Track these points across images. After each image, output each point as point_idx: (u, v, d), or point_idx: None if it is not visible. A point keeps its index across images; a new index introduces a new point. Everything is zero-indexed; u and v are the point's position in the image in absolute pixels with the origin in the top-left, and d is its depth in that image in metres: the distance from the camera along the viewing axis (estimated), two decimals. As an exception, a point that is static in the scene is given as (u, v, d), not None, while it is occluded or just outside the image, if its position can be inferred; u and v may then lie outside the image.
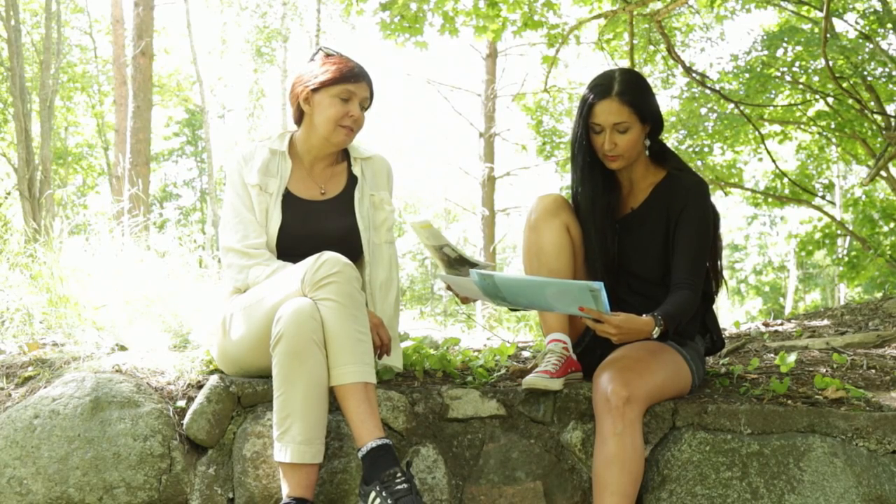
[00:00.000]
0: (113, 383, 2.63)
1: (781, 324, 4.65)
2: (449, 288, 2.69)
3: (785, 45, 8.23)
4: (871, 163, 8.47)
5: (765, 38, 8.74)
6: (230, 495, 2.54)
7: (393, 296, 2.79)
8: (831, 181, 17.12)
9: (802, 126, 9.50)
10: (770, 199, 11.14)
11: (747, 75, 8.15)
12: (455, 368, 2.92)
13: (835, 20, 7.93)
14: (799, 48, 7.98)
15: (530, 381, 2.52)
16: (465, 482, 2.56)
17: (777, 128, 9.57)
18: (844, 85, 6.92)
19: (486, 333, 6.01)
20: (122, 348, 3.12)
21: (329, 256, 2.40)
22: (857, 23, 7.83)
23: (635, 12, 6.63)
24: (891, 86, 7.64)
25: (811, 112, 9.17)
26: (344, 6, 7.35)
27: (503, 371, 2.91)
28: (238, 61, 24.64)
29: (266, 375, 2.59)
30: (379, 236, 2.80)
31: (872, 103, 7.41)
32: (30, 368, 2.87)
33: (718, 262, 2.75)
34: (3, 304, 3.48)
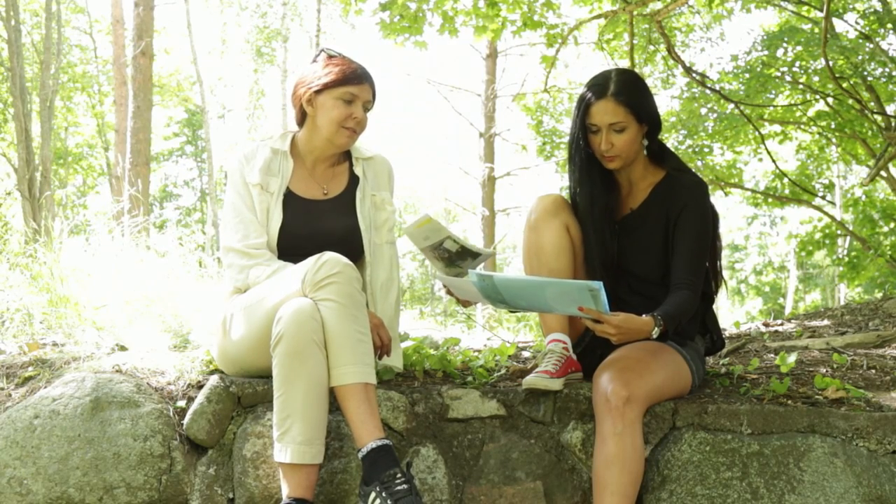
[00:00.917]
0: (113, 383, 2.63)
1: (781, 324, 4.65)
2: (448, 292, 2.69)
3: (785, 45, 8.23)
4: (871, 163, 8.47)
5: (765, 38, 8.73)
6: (230, 495, 2.54)
7: (393, 296, 2.79)
8: (831, 181, 17.12)
9: (802, 126, 9.50)
10: (770, 199, 11.14)
11: (747, 75, 8.15)
12: (455, 368, 2.92)
13: (835, 20, 7.93)
14: (799, 48, 7.98)
15: (530, 381, 2.53)
16: (465, 482, 2.56)
17: (777, 128, 9.57)
18: (844, 85, 6.91)
19: (486, 333, 6.01)
20: (122, 348, 3.12)
21: (329, 257, 2.40)
22: (857, 23, 7.83)
23: (635, 12, 6.62)
24: (891, 86, 7.64)
25: (811, 112, 9.17)
26: (343, 6, 7.35)
27: (503, 371, 2.91)
28: (238, 61, 24.64)
29: (266, 375, 2.59)
30: (380, 236, 2.79)
31: (872, 103, 7.41)
32: (30, 368, 2.87)
33: (718, 263, 2.75)
34: (3, 304, 3.48)
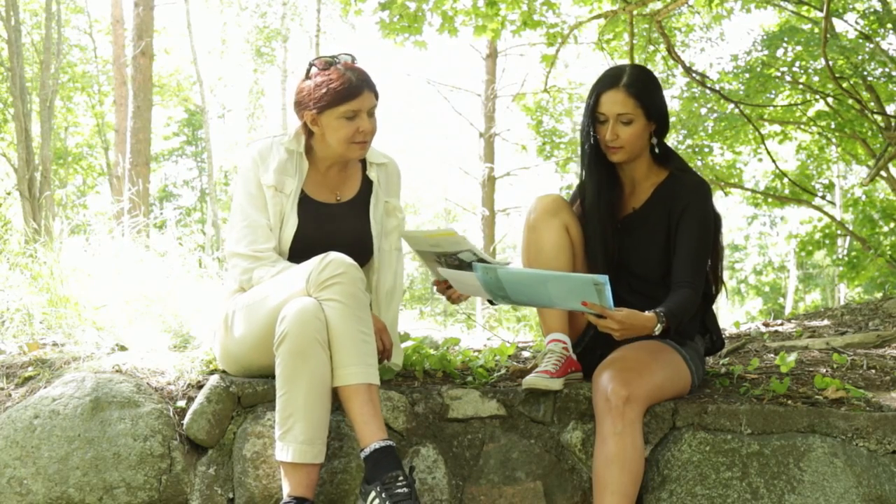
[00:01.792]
0: (113, 383, 2.63)
1: (781, 324, 4.65)
2: (442, 289, 2.67)
3: (785, 45, 8.23)
4: (871, 163, 8.47)
5: (765, 38, 8.73)
6: (230, 495, 2.54)
7: (397, 303, 2.79)
8: (831, 181, 17.11)
9: (802, 126, 9.50)
10: (770, 199, 11.14)
11: (747, 75, 8.15)
12: (455, 368, 2.92)
13: (835, 20, 7.93)
14: (799, 48, 7.98)
15: (530, 381, 2.53)
16: (465, 482, 2.56)
17: (777, 128, 9.56)
18: (844, 85, 6.91)
19: (486, 333, 6.01)
20: (122, 348, 3.12)
21: (334, 257, 2.40)
22: (857, 23, 7.82)
23: (635, 12, 6.62)
24: (891, 86, 7.64)
25: (811, 112, 9.17)
26: (343, 6, 7.35)
27: (503, 371, 2.91)
28: (238, 61, 24.64)
29: (267, 374, 2.59)
30: (389, 242, 2.78)
31: (872, 103, 7.40)
32: (30, 368, 2.87)
33: (720, 266, 2.75)
34: (3, 304, 3.48)
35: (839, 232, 11.32)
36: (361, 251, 2.68)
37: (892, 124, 7.11)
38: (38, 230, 4.19)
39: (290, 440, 2.31)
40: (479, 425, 2.61)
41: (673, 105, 11.06)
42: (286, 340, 2.32)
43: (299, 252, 2.63)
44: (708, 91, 8.68)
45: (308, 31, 22.43)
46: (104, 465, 2.48)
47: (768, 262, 30.14)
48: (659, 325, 2.41)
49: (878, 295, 7.54)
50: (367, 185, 2.77)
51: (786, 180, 10.04)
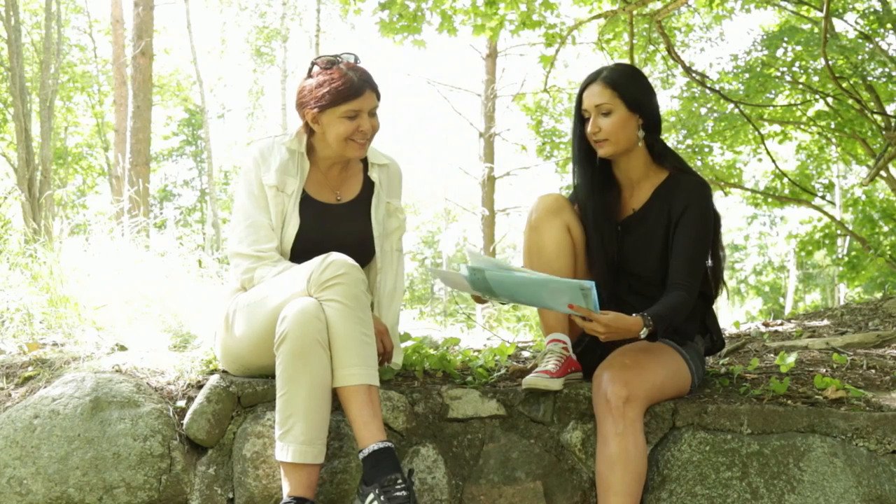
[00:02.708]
0: (113, 383, 2.63)
1: (781, 324, 4.65)
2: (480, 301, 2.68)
3: (785, 45, 8.23)
4: (871, 163, 8.47)
5: (765, 38, 8.74)
6: (230, 495, 2.54)
7: (397, 304, 2.79)
8: (831, 181, 17.11)
9: (802, 126, 9.50)
10: (770, 199, 11.14)
11: (747, 75, 8.15)
12: (455, 368, 2.92)
13: (835, 20, 7.93)
14: (799, 48, 7.98)
15: (530, 381, 2.52)
16: (465, 482, 2.56)
17: (777, 128, 9.57)
18: (844, 85, 6.91)
19: (485, 333, 6.01)
20: (122, 348, 3.12)
21: (336, 257, 2.40)
22: (857, 23, 7.83)
23: (635, 12, 6.62)
24: (891, 86, 7.64)
25: (811, 112, 9.17)
26: (342, 6, 7.35)
27: (503, 371, 2.91)
28: (238, 61, 24.64)
29: (267, 374, 2.59)
30: (390, 243, 2.79)
31: (872, 103, 7.41)
32: (30, 368, 2.87)
33: (720, 266, 2.74)
34: (3, 304, 3.48)
35: (839, 232, 11.32)
36: (363, 252, 2.68)
37: (892, 124, 7.11)
38: (38, 230, 4.19)
39: (290, 440, 2.31)
40: (478, 425, 2.62)
41: (673, 105, 11.06)
42: (287, 340, 2.32)
43: (301, 252, 2.63)
44: (708, 91, 8.69)
45: (308, 30, 22.44)
46: (104, 465, 2.48)
47: (768, 262, 30.16)
48: (645, 329, 2.41)
49: (878, 295, 7.54)
50: (368, 185, 2.77)
51: (786, 180, 10.04)
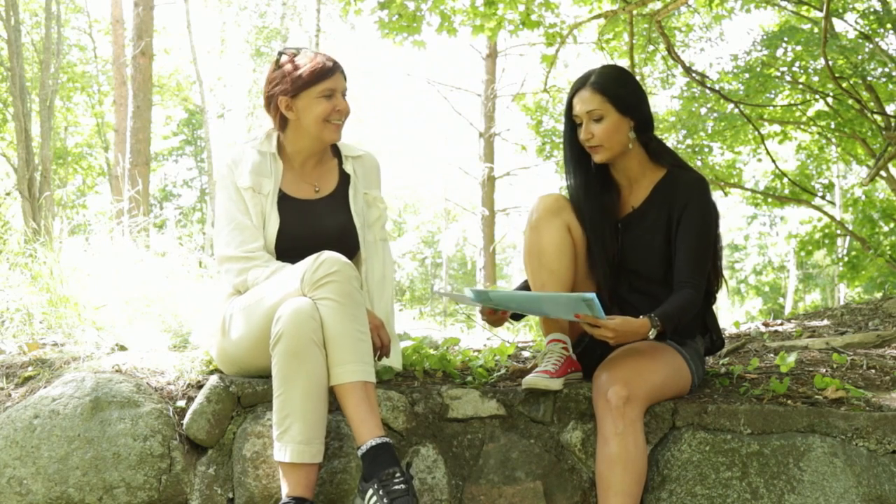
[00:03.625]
0: (113, 383, 2.63)
1: (781, 324, 4.65)
2: (489, 316, 2.73)
3: (785, 45, 8.23)
4: (871, 163, 8.47)
5: (765, 37, 8.74)
6: (230, 495, 2.54)
7: (388, 293, 2.79)
8: (831, 181, 17.12)
9: (802, 126, 9.50)
10: (770, 199, 11.14)
11: (747, 75, 8.15)
12: (455, 368, 2.92)
13: (835, 20, 7.93)
14: (799, 48, 7.98)
15: (530, 380, 2.52)
16: (465, 482, 2.56)
17: (777, 128, 9.57)
18: (844, 85, 6.91)
19: (485, 333, 6.00)
20: (122, 348, 3.12)
21: (328, 256, 2.40)
22: (857, 23, 7.83)
23: (635, 12, 6.63)
24: (891, 86, 7.64)
25: (811, 112, 9.17)
26: (342, 6, 7.35)
27: (503, 371, 2.91)
28: (237, 61, 24.63)
29: (266, 375, 2.59)
30: (373, 234, 2.80)
31: (872, 103, 7.41)
32: (30, 368, 2.87)
33: (719, 263, 2.75)
34: (3, 304, 3.48)
35: (839, 232, 11.32)
36: (347, 244, 2.70)
37: (892, 124, 7.11)
38: (38, 230, 4.19)
39: (287, 440, 2.31)
40: (478, 425, 2.62)
41: (673, 105, 11.06)
42: (282, 341, 2.33)
43: (286, 249, 2.66)
44: (708, 91, 8.69)
45: (307, 30, 22.42)
46: (104, 465, 2.48)
47: (768, 262, 30.16)
48: (653, 330, 2.41)
49: (878, 295, 7.54)
50: (344, 178, 2.81)
51: (786, 180, 10.04)
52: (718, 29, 12.71)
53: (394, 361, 2.76)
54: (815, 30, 8.00)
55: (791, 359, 2.84)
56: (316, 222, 2.70)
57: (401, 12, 6.78)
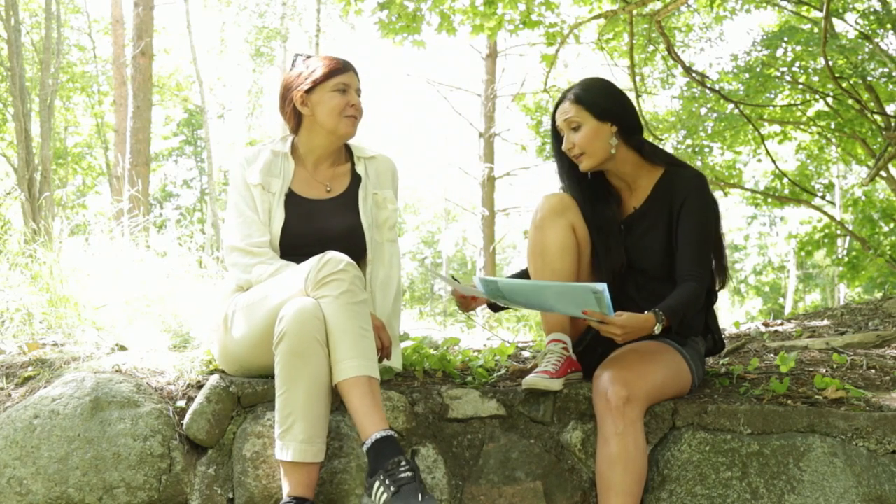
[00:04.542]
0: (113, 383, 2.63)
1: (781, 324, 4.65)
2: (459, 300, 2.77)
3: (785, 45, 8.23)
4: (871, 163, 8.47)
5: (765, 38, 8.73)
6: (230, 495, 2.54)
7: (392, 294, 2.79)
8: (831, 181, 17.12)
9: (802, 126, 9.50)
10: (770, 199, 11.14)
11: (747, 75, 8.15)
12: (455, 368, 2.92)
13: (835, 20, 7.93)
14: (799, 48, 7.98)
15: (530, 381, 2.53)
16: (465, 482, 2.56)
17: (777, 128, 9.57)
18: (844, 85, 6.91)
19: (485, 333, 6.01)
20: (122, 348, 3.12)
21: (332, 256, 2.41)
22: (857, 23, 7.82)
23: (635, 12, 6.63)
24: (891, 86, 7.64)
25: (811, 112, 9.17)
26: (342, 6, 7.36)
27: (503, 371, 2.91)
28: (237, 61, 24.64)
29: (267, 374, 2.59)
30: (381, 234, 2.80)
31: (872, 103, 7.41)
32: (30, 368, 2.87)
33: (723, 260, 2.75)
34: (3, 304, 3.48)
35: (839, 232, 11.32)
36: (354, 245, 2.70)
37: (892, 124, 7.11)
38: (38, 230, 4.19)
39: (289, 439, 2.31)
40: (478, 425, 2.62)
41: (673, 105, 11.06)
42: (285, 339, 2.33)
43: (290, 248, 2.68)
44: (708, 91, 8.69)
45: (307, 30, 22.43)
46: (104, 465, 2.48)
47: (768, 262, 30.17)
48: (658, 325, 2.42)
49: (878, 295, 7.55)
50: (355, 179, 2.83)
51: (786, 180, 10.04)
52: (718, 29, 12.72)
53: (394, 362, 2.76)
54: (815, 30, 8.00)
55: (791, 359, 2.84)
56: (322, 222, 2.71)
57: (400, 13, 6.79)
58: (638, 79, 8.61)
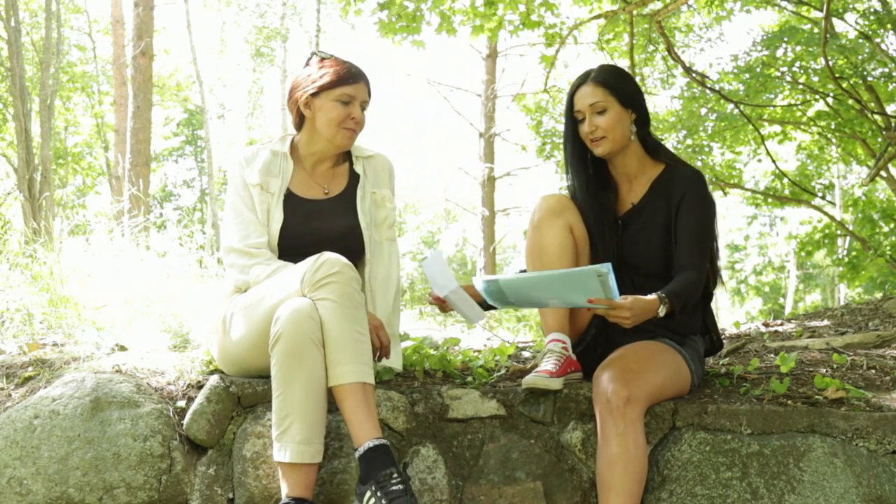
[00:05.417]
0: (113, 383, 2.63)
1: (781, 324, 4.65)
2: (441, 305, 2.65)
3: (785, 45, 8.23)
4: (871, 163, 8.47)
5: (765, 38, 8.73)
6: (230, 495, 2.54)
7: (392, 293, 2.79)
8: (831, 181, 17.12)
9: (802, 126, 9.50)
10: (770, 200, 11.14)
11: (747, 75, 8.15)
12: (455, 368, 2.92)
13: (835, 20, 7.93)
14: (799, 48, 7.98)
15: (530, 380, 2.53)
16: (465, 482, 2.56)
17: (777, 128, 9.57)
18: (844, 85, 6.91)
19: (485, 333, 6.01)
20: (122, 348, 3.12)
21: (328, 257, 2.40)
22: (857, 23, 7.82)
23: (635, 12, 6.63)
24: (891, 86, 7.64)
25: (811, 112, 9.17)
26: (342, 6, 7.36)
27: (503, 371, 2.91)
28: (237, 61, 24.65)
29: (266, 375, 2.59)
30: (380, 234, 2.80)
31: (872, 103, 7.41)
32: (30, 368, 2.86)
33: (717, 262, 2.75)
34: (3, 304, 3.48)
35: (839, 232, 11.32)
36: (351, 245, 2.70)
37: (892, 124, 7.11)
38: (38, 230, 4.19)
39: (287, 441, 2.31)
40: (479, 425, 2.61)
41: (673, 105, 11.06)
42: (281, 341, 2.33)
43: (288, 248, 2.68)
44: (708, 91, 8.69)
45: (307, 30, 22.45)
46: (104, 465, 2.48)
47: (768, 262, 30.16)
48: (662, 307, 2.43)
49: (878, 295, 7.54)
50: (354, 178, 2.82)
51: (786, 180, 10.04)
52: (718, 29, 12.71)
53: (394, 362, 2.76)
54: (815, 30, 8.00)
55: (791, 359, 2.84)
56: (320, 223, 2.71)
57: (400, 13, 6.78)
58: (638, 79, 8.62)
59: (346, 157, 2.85)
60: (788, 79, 8.19)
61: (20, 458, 2.48)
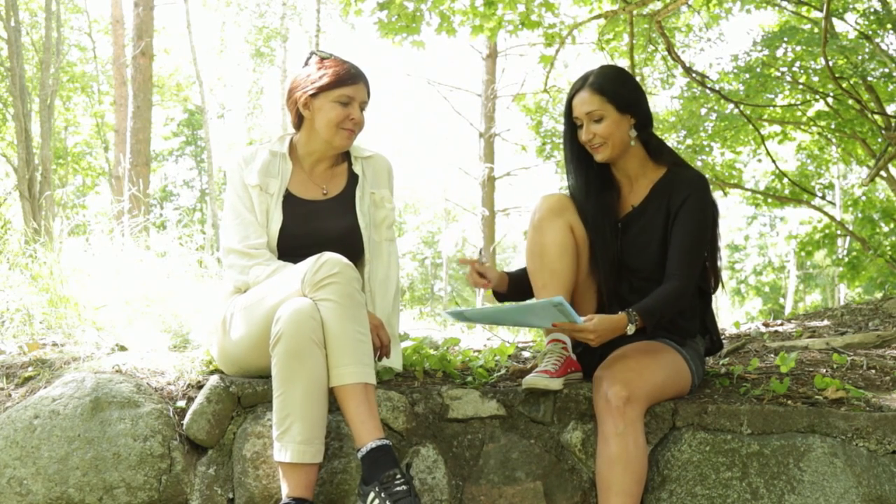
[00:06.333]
0: (113, 383, 2.63)
1: (781, 324, 4.65)
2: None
3: (785, 45, 8.22)
4: (871, 163, 8.47)
5: (765, 38, 8.72)
6: (230, 495, 2.54)
7: (392, 293, 2.79)
8: (831, 181, 17.12)
9: (802, 126, 9.50)
10: (770, 200, 11.13)
11: (747, 75, 8.14)
12: (455, 369, 2.92)
13: (835, 20, 7.92)
14: (799, 48, 7.97)
15: (530, 380, 2.53)
16: (465, 482, 2.56)
17: (777, 128, 9.56)
18: (844, 85, 6.91)
19: (486, 334, 6.00)
20: (122, 348, 3.12)
21: (329, 257, 2.40)
22: (857, 23, 7.82)
23: (635, 12, 6.63)
24: (891, 86, 7.63)
25: (811, 112, 9.16)
26: (342, 6, 7.36)
27: (503, 371, 2.91)
28: (237, 61, 24.65)
29: (266, 375, 2.59)
30: (379, 234, 2.80)
31: (872, 103, 7.40)
32: (30, 368, 2.86)
33: (718, 262, 2.75)
34: (3, 304, 3.48)
35: (839, 232, 11.32)
36: (350, 245, 2.70)
37: (892, 124, 7.11)
38: (38, 230, 4.20)
39: (287, 440, 2.31)
40: (478, 425, 2.61)
41: (673, 105, 11.06)
42: (281, 341, 2.33)
43: (287, 249, 2.67)
44: (708, 91, 8.68)
45: (307, 30, 22.45)
46: (104, 466, 2.48)
47: (768, 262, 30.16)
48: (631, 325, 2.44)
49: (878, 295, 7.54)
50: (352, 179, 2.82)
51: (786, 180, 10.04)
52: (718, 29, 12.70)
53: (394, 362, 2.76)
54: (815, 30, 7.99)
55: (791, 359, 2.84)
56: (319, 223, 2.71)
57: (400, 13, 6.78)
58: (638, 79, 8.61)
59: (345, 157, 2.85)
60: (788, 79, 8.19)
61: (20, 458, 2.48)
